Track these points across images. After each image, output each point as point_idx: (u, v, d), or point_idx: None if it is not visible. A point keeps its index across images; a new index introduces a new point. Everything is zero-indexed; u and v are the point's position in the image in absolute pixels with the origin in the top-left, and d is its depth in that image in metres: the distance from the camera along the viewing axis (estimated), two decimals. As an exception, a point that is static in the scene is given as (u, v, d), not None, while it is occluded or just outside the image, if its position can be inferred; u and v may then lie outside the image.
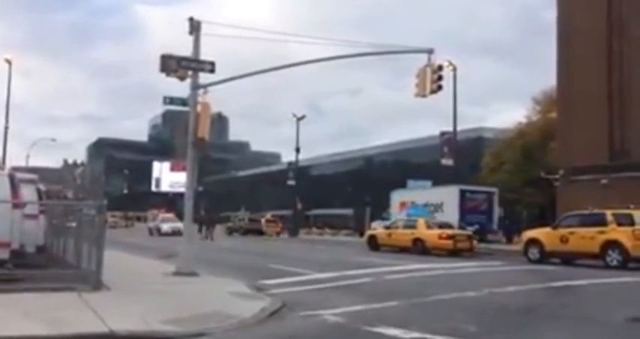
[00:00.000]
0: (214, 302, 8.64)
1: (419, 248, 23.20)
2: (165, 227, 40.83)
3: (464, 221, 27.46)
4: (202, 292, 9.87)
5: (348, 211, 64.14)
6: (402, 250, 24.01)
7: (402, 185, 45.27)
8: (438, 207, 29.66)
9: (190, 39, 13.08)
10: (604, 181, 28.43)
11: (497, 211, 30.07)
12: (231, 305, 8.39)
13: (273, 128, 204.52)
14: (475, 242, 23.97)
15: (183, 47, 13.21)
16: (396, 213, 32.61)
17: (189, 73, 12.89)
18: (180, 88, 13.29)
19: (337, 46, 13.79)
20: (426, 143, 51.18)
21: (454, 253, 22.52)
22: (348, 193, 65.57)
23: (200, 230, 33.86)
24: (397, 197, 34.18)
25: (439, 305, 9.08)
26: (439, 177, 41.59)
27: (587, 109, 29.68)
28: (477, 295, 10.23)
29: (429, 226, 24.21)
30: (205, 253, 18.73)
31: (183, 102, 13.43)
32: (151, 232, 43.53)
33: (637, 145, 28.05)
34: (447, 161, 36.53)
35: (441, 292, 10.36)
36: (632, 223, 17.12)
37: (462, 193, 28.78)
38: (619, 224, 17.36)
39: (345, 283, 11.83)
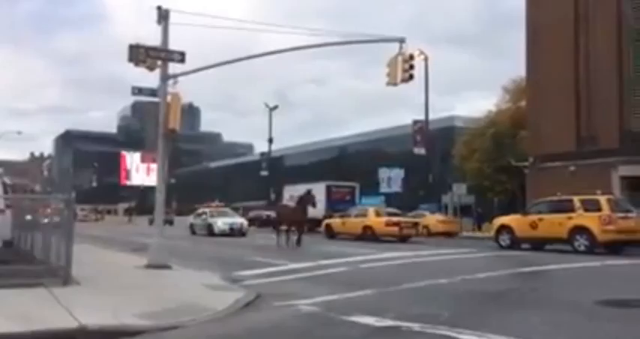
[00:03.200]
0: (187, 295, 8.56)
1: (368, 235, 24.66)
2: (221, 224, 29.17)
3: (331, 209, 32.18)
4: (175, 285, 9.77)
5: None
6: (358, 237, 24.95)
7: (375, 174, 45.57)
8: None
9: (159, 28, 12.85)
10: (572, 168, 29.06)
11: (357, 200, 35.39)
12: (205, 297, 8.32)
13: (245, 119, 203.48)
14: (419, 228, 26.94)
15: (152, 37, 12.98)
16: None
17: (159, 63, 12.66)
18: (149, 78, 13.07)
19: (307, 35, 13.70)
20: (399, 132, 51.45)
21: (402, 239, 24.32)
22: (322, 183, 65.60)
23: (276, 230, 21.99)
24: (287, 192, 38.40)
25: (413, 293, 9.16)
26: (412, 165, 41.99)
27: (555, 98, 30.21)
28: (450, 281, 10.36)
29: (378, 215, 25.83)
30: (178, 245, 18.55)
31: (152, 92, 13.19)
32: (193, 230, 31.48)
33: (603, 132, 28.70)
34: (420, 150, 36.86)
35: (415, 279, 10.44)
36: (599, 209, 17.55)
37: (329, 187, 34.19)
38: (586, 210, 17.77)
39: (320, 273, 11.85)
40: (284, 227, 21.41)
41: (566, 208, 18.33)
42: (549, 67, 30.59)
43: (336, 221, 27.61)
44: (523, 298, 8.68)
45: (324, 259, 14.61)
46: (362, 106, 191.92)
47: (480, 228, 36.17)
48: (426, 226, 29.89)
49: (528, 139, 32.79)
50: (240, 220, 30.66)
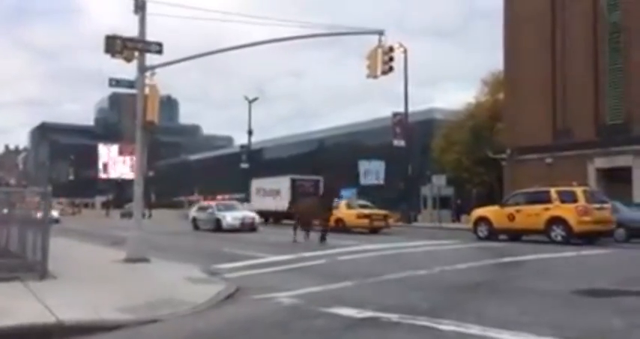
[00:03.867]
0: (167, 288, 8.50)
1: (340, 227, 25.04)
2: (231, 219, 26.30)
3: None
4: (154, 279, 9.70)
5: (302, 194, 64.16)
6: (331, 230, 24.71)
7: (356, 166, 45.70)
8: (277, 192, 35.60)
9: (136, 19, 12.66)
10: (548, 160, 29.49)
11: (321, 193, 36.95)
12: (185, 291, 8.27)
13: (224, 111, 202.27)
14: (391, 220, 27.02)
15: (130, 28, 12.78)
16: (253, 198, 39.05)
17: (136, 54, 12.48)
18: (127, 70, 12.89)
19: (287, 27, 13.62)
20: (379, 125, 51.49)
21: (372, 231, 24.88)
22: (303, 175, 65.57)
23: (295, 225, 19.82)
24: (254, 185, 39.88)
25: (393, 284, 9.23)
26: (392, 158, 42.15)
27: (532, 91, 30.57)
28: (429, 273, 10.45)
29: (349, 207, 26.64)
30: (156, 239, 18.41)
31: (130, 84, 13.02)
32: (196, 225, 28.73)
33: (579, 125, 29.14)
34: (399, 142, 36.99)
35: (395, 271, 10.52)
36: (575, 200, 17.83)
37: (293, 181, 35.32)
38: (563, 201, 18.04)
39: (301, 265, 11.87)
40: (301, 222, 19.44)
41: (543, 199, 18.58)
42: (527, 61, 30.91)
43: None
44: (501, 288, 8.80)
45: (304, 251, 14.63)
46: (342, 99, 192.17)
47: (458, 219, 36.54)
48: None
49: (506, 131, 33.14)
50: (251, 215, 27.82)
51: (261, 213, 36.41)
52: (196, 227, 28.54)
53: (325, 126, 74.55)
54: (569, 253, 14.28)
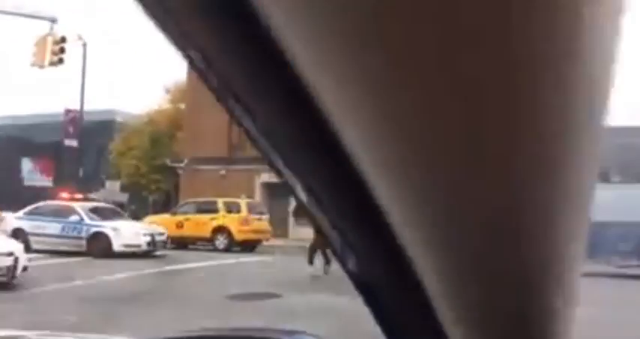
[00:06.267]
0: None
1: None
2: (130, 234, 15.78)
3: None
4: None
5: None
6: None
7: (19, 164, 40.70)
8: None
9: None
10: (222, 172, 31.31)
11: None
12: None
13: None
14: None
15: None
16: None
17: None
18: None
19: None
20: (50, 120, 46.92)
21: None
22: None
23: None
24: None
25: (43, 297, 8.41)
26: (63, 158, 38.84)
27: (212, 106, 31.06)
28: (86, 283, 9.85)
29: None
30: None
31: None
32: (28, 243, 13.87)
33: (249, 142, 31.87)
34: (71, 142, 34.40)
35: (47, 282, 9.56)
36: (239, 211, 19.42)
37: None
38: (229, 211, 19.46)
39: None
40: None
41: (210, 209, 19.82)
42: (209, 75, 32.48)
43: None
44: (161, 297, 8.82)
45: None
46: (6, 87, 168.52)
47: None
48: None
49: (185, 141, 33.96)
50: (159, 230, 17.46)
51: None
52: (27, 248, 12.65)
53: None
54: (229, 260, 15.27)
